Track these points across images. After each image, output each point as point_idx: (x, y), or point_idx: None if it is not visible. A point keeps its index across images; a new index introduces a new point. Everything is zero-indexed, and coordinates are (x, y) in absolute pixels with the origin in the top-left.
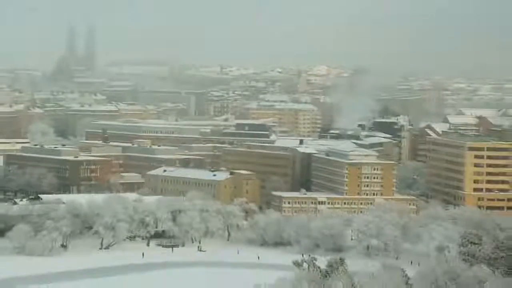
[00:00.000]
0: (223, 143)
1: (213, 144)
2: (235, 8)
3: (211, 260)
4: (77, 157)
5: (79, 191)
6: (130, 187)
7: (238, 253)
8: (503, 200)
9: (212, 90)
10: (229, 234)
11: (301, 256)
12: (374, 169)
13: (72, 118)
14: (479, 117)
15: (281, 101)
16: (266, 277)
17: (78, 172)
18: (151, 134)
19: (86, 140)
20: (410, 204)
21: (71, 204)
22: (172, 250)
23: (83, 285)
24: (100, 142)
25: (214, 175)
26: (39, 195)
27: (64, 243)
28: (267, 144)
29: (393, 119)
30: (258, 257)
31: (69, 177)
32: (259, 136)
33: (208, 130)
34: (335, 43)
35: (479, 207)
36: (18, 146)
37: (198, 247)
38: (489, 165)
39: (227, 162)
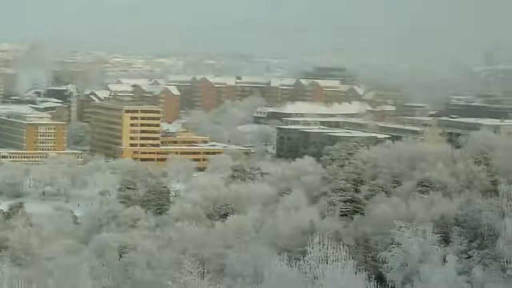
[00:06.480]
0: None
1: None
2: None
3: None
4: None
5: None
6: None
7: None
8: (154, 153)
9: None
10: None
11: None
12: (48, 129)
13: None
14: (134, 86)
15: None
16: None
17: None
18: None
19: None
20: (78, 157)
21: None
22: None
23: None
24: None
25: None
26: None
27: None
28: None
29: (63, 87)
30: None
31: None
32: None
33: None
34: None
35: (135, 159)
36: None
37: None
38: (142, 125)
39: None
